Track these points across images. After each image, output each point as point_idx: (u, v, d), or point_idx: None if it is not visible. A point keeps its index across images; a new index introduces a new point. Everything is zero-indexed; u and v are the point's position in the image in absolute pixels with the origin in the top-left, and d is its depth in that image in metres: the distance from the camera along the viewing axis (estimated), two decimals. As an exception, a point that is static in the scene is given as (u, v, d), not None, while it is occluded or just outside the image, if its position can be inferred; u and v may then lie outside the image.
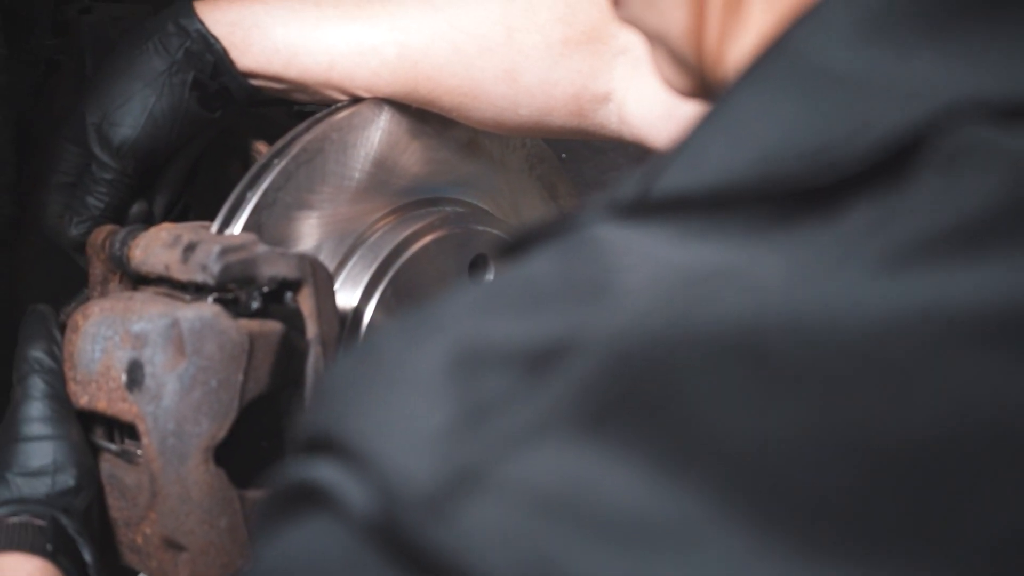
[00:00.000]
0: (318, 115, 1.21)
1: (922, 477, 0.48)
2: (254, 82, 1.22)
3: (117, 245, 1.12)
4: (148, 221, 1.21)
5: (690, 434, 0.49)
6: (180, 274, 1.04)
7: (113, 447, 1.04)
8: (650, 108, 1.19)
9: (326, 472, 0.54)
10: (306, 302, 1.05)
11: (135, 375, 1.00)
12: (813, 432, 0.48)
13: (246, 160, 1.29)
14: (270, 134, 1.26)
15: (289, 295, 1.05)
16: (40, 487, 1.00)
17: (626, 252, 0.55)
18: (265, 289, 1.03)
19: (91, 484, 1.02)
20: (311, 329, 1.05)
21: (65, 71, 1.30)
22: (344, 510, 0.52)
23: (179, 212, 1.26)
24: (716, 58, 0.67)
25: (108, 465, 1.04)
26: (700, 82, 0.70)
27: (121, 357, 1.01)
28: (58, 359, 1.05)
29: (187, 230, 1.08)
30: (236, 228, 1.15)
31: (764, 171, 0.55)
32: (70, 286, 1.20)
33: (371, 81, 1.21)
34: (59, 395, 1.03)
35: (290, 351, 1.04)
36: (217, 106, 1.21)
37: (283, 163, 1.17)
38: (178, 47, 1.19)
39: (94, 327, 1.03)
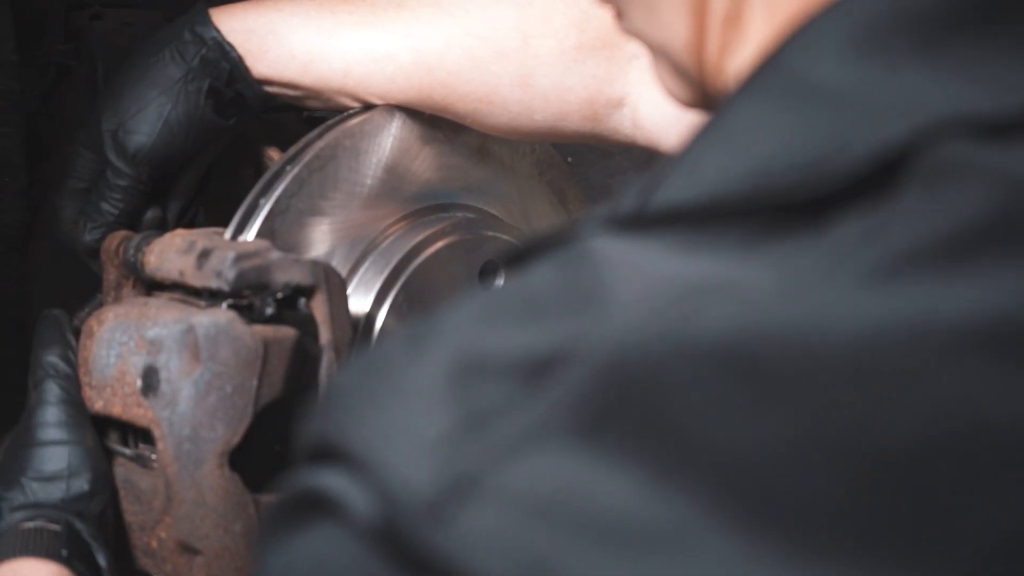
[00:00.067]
0: (330, 121, 1.21)
1: (912, 482, 0.48)
2: (269, 89, 1.22)
3: (131, 251, 1.12)
4: (162, 227, 1.21)
5: (683, 441, 0.50)
6: (195, 280, 1.04)
7: (128, 452, 1.04)
8: (664, 112, 1.18)
9: (331, 480, 0.54)
10: (319, 308, 1.06)
11: (150, 380, 1.01)
12: (805, 438, 0.49)
13: (259, 167, 1.29)
14: (282, 140, 1.26)
15: (303, 301, 1.05)
16: (55, 492, 1.00)
17: (622, 264, 0.56)
18: (279, 295, 1.04)
19: (106, 488, 1.02)
20: (324, 335, 1.06)
21: (75, 77, 1.30)
22: (349, 517, 0.53)
23: (192, 218, 1.26)
24: (717, 70, 0.67)
25: (123, 470, 1.04)
26: (701, 93, 0.70)
27: (136, 362, 1.02)
28: (73, 364, 1.05)
29: (201, 236, 1.08)
30: (249, 234, 1.15)
31: (756, 184, 0.56)
32: (81, 291, 1.20)
33: (386, 87, 1.21)
34: (74, 400, 1.04)
35: (303, 356, 1.04)
36: (232, 113, 1.21)
37: (296, 170, 1.17)
38: (194, 55, 1.19)
39: (109, 332, 1.03)
